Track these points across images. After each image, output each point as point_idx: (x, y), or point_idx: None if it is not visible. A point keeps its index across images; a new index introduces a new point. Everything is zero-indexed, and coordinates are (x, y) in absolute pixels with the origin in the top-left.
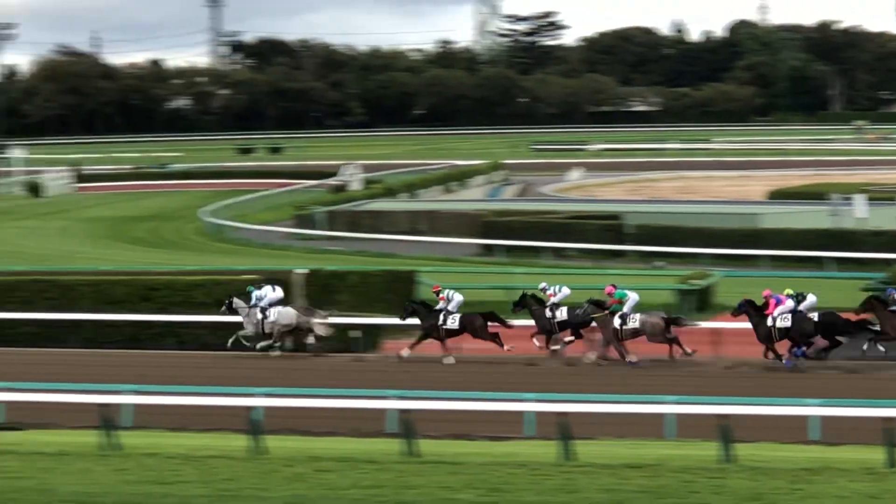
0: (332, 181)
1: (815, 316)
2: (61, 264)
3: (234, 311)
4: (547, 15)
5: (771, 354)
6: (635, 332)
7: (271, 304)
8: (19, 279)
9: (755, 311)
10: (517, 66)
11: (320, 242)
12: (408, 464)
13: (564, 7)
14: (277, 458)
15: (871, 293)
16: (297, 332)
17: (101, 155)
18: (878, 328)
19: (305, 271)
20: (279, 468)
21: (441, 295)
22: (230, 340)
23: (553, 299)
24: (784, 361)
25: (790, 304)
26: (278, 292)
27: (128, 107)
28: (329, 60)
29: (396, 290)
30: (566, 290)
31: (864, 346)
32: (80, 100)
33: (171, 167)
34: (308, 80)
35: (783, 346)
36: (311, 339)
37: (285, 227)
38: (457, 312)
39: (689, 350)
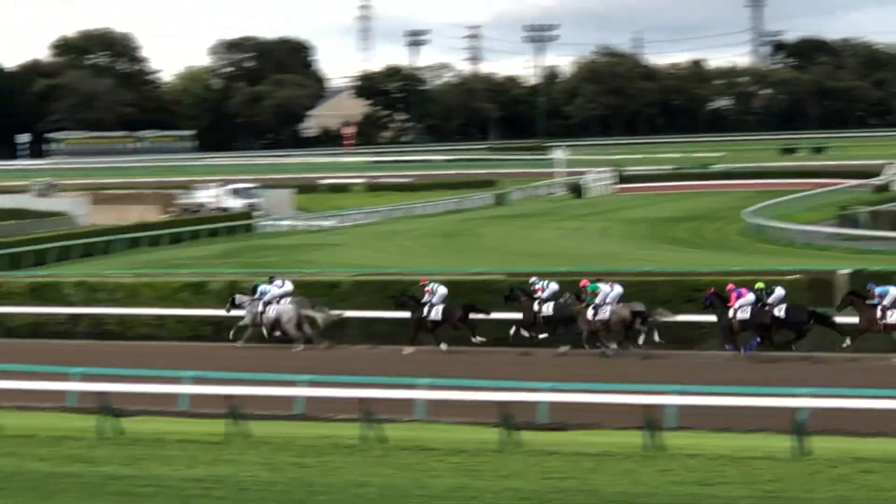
0: (874, 181)
1: (782, 309)
2: (601, 265)
3: (236, 307)
4: None
5: (728, 345)
6: (604, 323)
7: (275, 300)
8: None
9: (721, 303)
10: None
11: (864, 242)
12: None
13: None
14: (821, 458)
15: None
16: (303, 324)
17: (642, 156)
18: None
19: (848, 271)
20: (823, 469)
21: (427, 288)
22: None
23: (541, 294)
24: (742, 351)
25: (751, 297)
26: (286, 287)
27: (669, 107)
28: (871, 59)
29: None
30: (554, 286)
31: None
32: (622, 100)
33: (713, 167)
34: (850, 79)
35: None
36: (307, 329)
37: (828, 227)
38: (440, 304)
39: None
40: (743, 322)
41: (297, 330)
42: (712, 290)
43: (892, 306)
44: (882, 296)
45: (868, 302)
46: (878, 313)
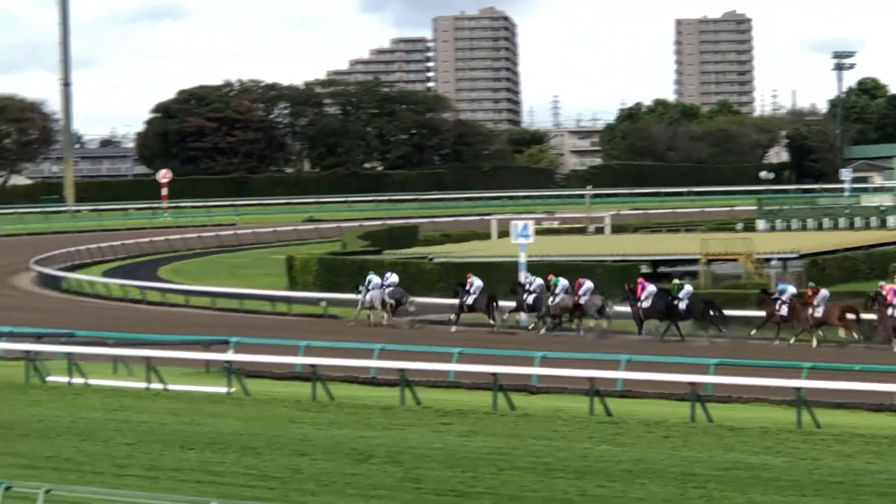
0: None
1: (684, 301)
2: None
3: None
4: None
5: (639, 329)
6: (562, 309)
7: (375, 287)
8: None
9: (633, 295)
10: None
11: None
12: None
13: None
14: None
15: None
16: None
17: None
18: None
19: None
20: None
21: (469, 280)
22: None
23: (528, 287)
24: (642, 332)
25: (652, 288)
26: (391, 278)
27: None
28: None
29: None
30: (539, 281)
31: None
32: None
33: None
34: None
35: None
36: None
37: None
38: (474, 294)
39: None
40: (646, 311)
41: (382, 308)
42: (629, 286)
43: (819, 304)
44: (782, 292)
45: (772, 297)
46: (776, 306)
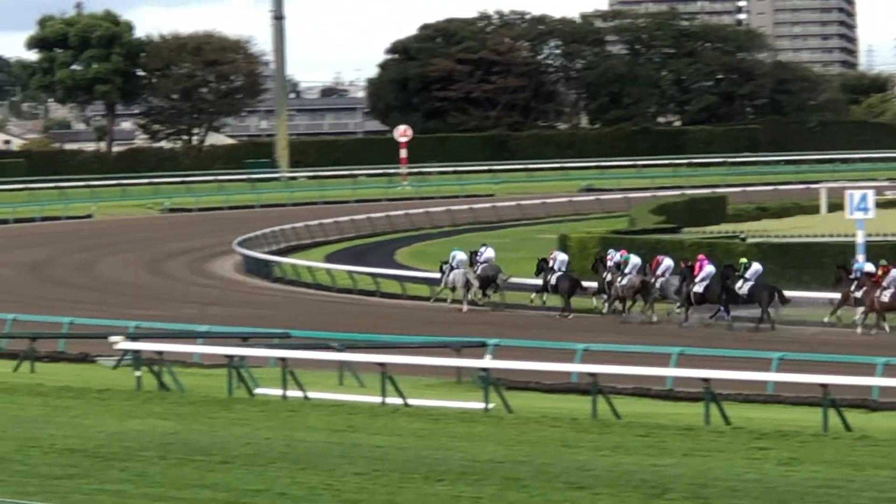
0: None
1: (748, 283)
2: None
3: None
4: None
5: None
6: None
7: (460, 265)
8: None
9: (690, 274)
10: None
11: None
12: None
13: None
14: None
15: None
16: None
17: None
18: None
19: None
20: None
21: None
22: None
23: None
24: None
25: (711, 269)
26: (486, 253)
27: None
28: None
29: None
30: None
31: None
32: None
33: None
34: None
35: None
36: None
37: None
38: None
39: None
40: (697, 295)
41: (466, 290)
42: (688, 262)
43: (890, 285)
44: (858, 270)
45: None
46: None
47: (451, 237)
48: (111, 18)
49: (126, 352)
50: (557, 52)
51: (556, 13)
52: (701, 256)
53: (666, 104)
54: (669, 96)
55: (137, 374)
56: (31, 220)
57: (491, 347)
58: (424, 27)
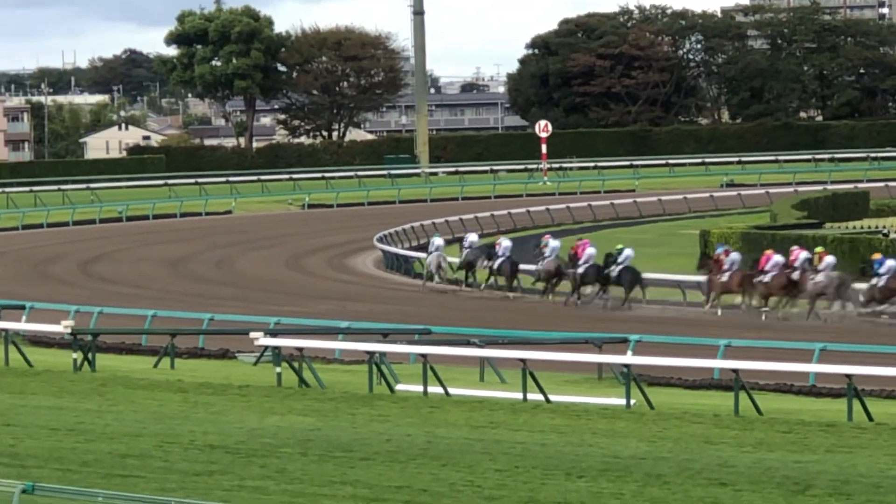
0: None
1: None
2: None
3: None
4: None
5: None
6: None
7: (436, 250)
8: None
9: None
10: None
11: None
12: None
13: None
14: None
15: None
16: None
17: None
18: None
19: None
20: None
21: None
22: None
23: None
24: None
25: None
26: (470, 238)
27: None
28: None
29: None
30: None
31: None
32: None
33: None
34: None
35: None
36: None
37: None
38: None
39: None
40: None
41: (437, 274)
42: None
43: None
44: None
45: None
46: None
47: (591, 232)
48: (251, 14)
49: (266, 348)
50: (698, 46)
51: (697, 8)
52: (584, 241)
53: (807, 99)
54: (811, 91)
55: (278, 370)
56: (171, 216)
57: (633, 343)
58: (565, 22)
